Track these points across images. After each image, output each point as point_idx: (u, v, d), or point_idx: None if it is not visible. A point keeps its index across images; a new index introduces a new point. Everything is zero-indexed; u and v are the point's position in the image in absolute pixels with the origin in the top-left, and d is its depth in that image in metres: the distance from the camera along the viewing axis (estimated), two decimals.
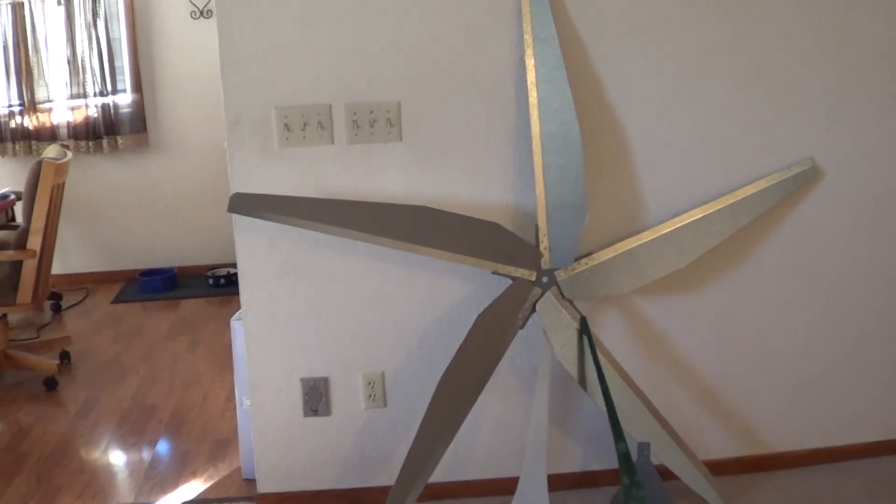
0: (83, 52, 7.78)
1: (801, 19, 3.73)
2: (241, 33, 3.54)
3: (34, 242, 5.35)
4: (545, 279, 3.61)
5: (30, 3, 7.65)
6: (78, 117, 7.86)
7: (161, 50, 7.96)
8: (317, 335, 3.83)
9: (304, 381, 3.87)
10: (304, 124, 3.61)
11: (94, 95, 7.85)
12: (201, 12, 7.85)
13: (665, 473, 3.87)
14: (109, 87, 7.87)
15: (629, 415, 3.73)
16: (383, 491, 3.92)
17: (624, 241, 3.69)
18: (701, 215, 3.70)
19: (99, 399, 5.36)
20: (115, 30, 7.82)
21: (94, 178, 8.04)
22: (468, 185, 3.71)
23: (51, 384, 5.54)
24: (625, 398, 3.71)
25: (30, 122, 7.79)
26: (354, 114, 3.62)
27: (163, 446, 4.69)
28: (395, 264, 3.77)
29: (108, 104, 7.87)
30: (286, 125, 3.61)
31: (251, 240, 3.71)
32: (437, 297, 3.82)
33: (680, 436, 3.90)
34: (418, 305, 3.83)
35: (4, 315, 5.81)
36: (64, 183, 5.72)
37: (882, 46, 3.80)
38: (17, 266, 5.38)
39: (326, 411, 3.91)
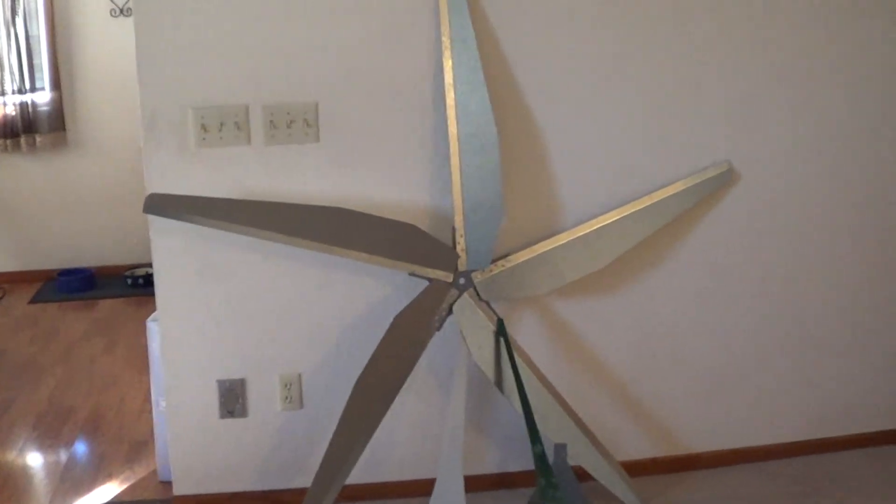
0: (1, 50, 7.69)
1: (716, 22, 3.76)
2: (159, 32, 3.52)
3: None
4: (462, 281, 3.62)
5: None
6: None
7: (80, 48, 7.87)
8: (233, 336, 3.82)
9: (221, 383, 3.85)
10: (221, 124, 3.60)
11: (12, 93, 7.76)
12: (121, 10, 7.78)
13: (582, 475, 3.88)
14: (28, 85, 7.77)
15: (546, 416, 3.75)
16: (301, 492, 3.90)
17: (541, 244, 3.70)
18: (617, 217, 3.72)
19: (15, 400, 5.30)
20: (33, 27, 7.73)
21: (11, 177, 7.95)
22: (386, 186, 3.71)
23: None
24: (541, 399, 3.73)
25: None
26: (272, 114, 3.61)
27: (79, 448, 4.64)
28: (312, 265, 3.76)
29: (27, 102, 7.78)
30: (203, 125, 3.59)
31: (167, 240, 3.69)
32: (355, 299, 3.82)
33: (597, 437, 3.92)
34: (335, 307, 3.82)
35: None
36: None
37: (796, 49, 3.84)
38: None
39: (243, 413, 3.89)
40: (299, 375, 3.88)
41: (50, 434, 4.83)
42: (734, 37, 3.79)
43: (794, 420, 4.27)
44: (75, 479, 4.32)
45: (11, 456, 4.57)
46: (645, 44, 3.74)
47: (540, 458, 3.52)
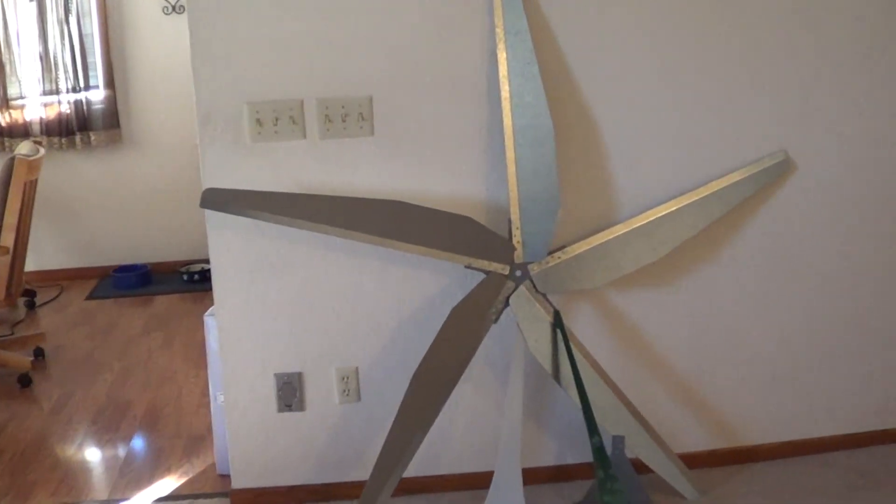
0: (55, 48, 7.75)
1: (775, 12, 3.73)
2: (213, 28, 3.53)
3: (7, 239, 5.33)
4: (518, 273, 3.61)
5: None
6: (50, 113, 7.83)
7: (133, 46, 7.93)
8: (290, 330, 3.82)
9: (278, 377, 3.86)
10: (276, 119, 3.61)
11: (67, 91, 7.82)
12: (173, 7, 7.83)
13: (640, 467, 3.88)
14: (82, 83, 7.84)
15: (603, 408, 3.74)
16: (359, 486, 3.92)
17: (597, 235, 3.69)
18: (674, 208, 3.70)
19: (73, 395, 5.34)
20: (87, 25, 7.80)
21: (67, 175, 8.02)
22: (441, 178, 3.71)
23: (25, 381, 5.52)
24: (599, 392, 3.72)
25: (2, 118, 7.75)
26: (326, 108, 3.61)
27: (137, 442, 4.67)
28: (368, 259, 3.76)
29: (81, 100, 7.84)
30: (258, 120, 3.60)
31: (224, 235, 3.70)
32: (411, 292, 3.82)
33: (654, 429, 3.91)
34: (392, 300, 3.83)
35: None
36: (37, 179, 5.70)
37: (854, 39, 3.81)
38: None
39: (300, 406, 3.90)
40: (356, 369, 3.88)
41: (108, 429, 4.86)
42: (790, 27, 3.76)
43: (853, 411, 4.23)
44: (134, 473, 4.35)
45: (71, 451, 4.60)
46: (700, 35, 3.72)
47: (598, 450, 3.51)
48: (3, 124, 7.78)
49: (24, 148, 5.82)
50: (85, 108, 7.86)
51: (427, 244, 3.52)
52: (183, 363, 5.85)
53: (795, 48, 3.78)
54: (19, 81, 7.85)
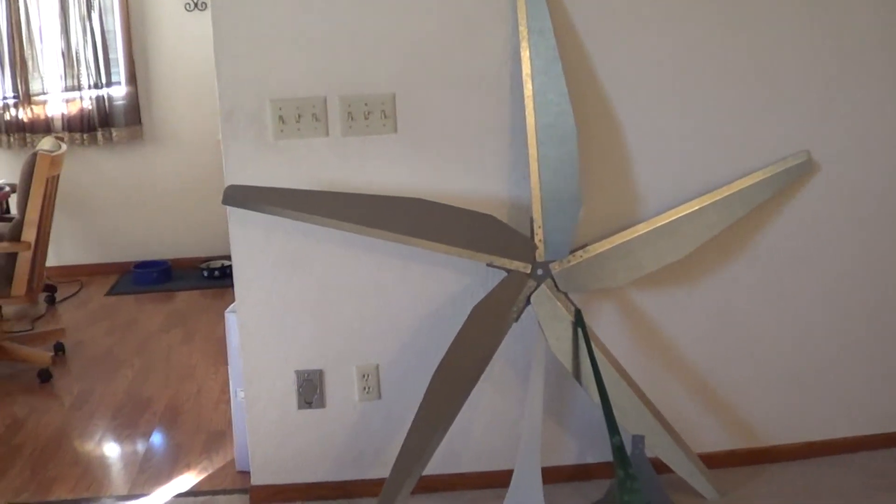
0: (77, 45, 7.78)
1: (797, 11, 3.72)
2: (236, 25, 3.54)
3: (29, 234, 5.34)
4: (540, 272, 3.61)
5: None
6: (72, 109, 7.86)
7: (155, 42, 7.95)
8: (311, 327, 3.83)
9: (299, 374, 3.87)
10: (299, 116, 3.61)
11: (89, 88, 7.85)
12: (196, 4, 7.85)
13: (659, 466, 3.86)
14: (104, 80, 7.86)
15: (624, 408, 3.73)
16: (377, 483, 3.92)
17: (619, 234, 3.68)
18: (697, 207, 3.69)
19: (93, 391, 5.35)
20: (109, 22, 7.82)
21: (88, 171, 8.04)
22: (463, 177, 3.71)
23: (45, 376, 5.53)
24: (619, 391, 3.71)
25: (24, 114, 7.78)
26: (349, 106, 3.62)
27: (157, 438, 4.68)
28: (389, 256, 3.76)
29: (103, 96, 7.87)
30: (281, 117, 3.60)
31: (245, 232, 3.71)
32: (432, 290, 3.82)
33: (675, 429, 3.90)
34: (413, 298, 3.82)
35: None
36: (58, 175, 5.71)
37: (877, 39, 3.80)
38: (11, 258, 5.37)
39: (321, 403, 3.90)
40: (377, 366, 3.88)
41: (128, 425, 4.87)
42: (813, 25, 3.75)
43: (873, 413, 4.22)
44: (154, 469, 4.35)
45: (90, 446, 4.61)
46: (723, 34, 3.71)
47: (618, 449, 3.50)
48: (26, 120, 7.81)
49: (45, 144, 5.84)
50: (107, 104, 7.89)
51: (448, 242, 3.52)
52: (203, 359, 5.86)
53: (818, 48, 3.77)
54: (41, 77, 7.88)
